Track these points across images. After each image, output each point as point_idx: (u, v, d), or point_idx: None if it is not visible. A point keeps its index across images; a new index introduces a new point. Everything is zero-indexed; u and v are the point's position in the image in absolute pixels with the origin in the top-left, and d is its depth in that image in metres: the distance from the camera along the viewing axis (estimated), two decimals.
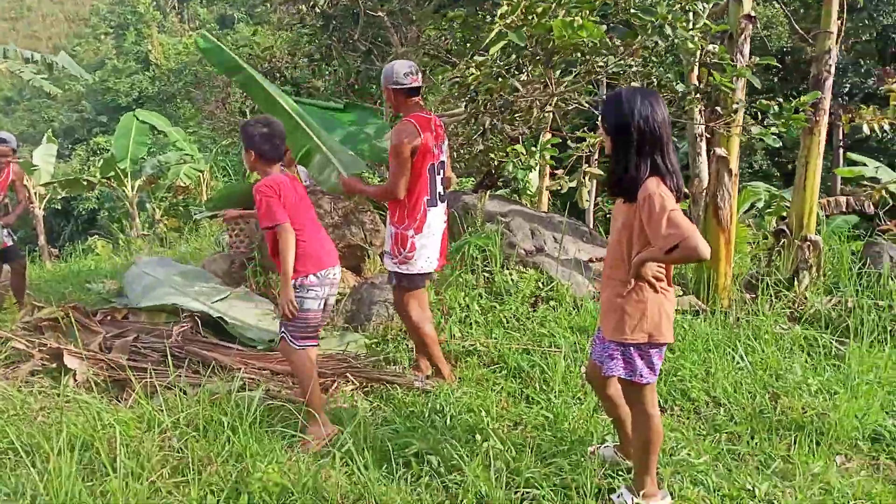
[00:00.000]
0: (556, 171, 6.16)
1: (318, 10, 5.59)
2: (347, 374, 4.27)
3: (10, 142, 6.11)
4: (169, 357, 3.98)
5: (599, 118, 2.97)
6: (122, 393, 4.01)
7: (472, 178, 12.96)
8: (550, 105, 5.25)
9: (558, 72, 5.13)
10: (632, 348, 2.82)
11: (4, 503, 2.80)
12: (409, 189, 3.99)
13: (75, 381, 3.94)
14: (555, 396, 3.97)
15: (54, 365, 4.14)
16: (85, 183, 13.38)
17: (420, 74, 4.03)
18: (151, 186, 12.56)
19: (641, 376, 2.83)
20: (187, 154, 12.57)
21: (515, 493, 2.96)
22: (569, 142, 5.26)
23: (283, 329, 3.63)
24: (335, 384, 4.21)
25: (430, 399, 3.91)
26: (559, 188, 5.97)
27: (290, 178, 3.73)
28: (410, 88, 4.00)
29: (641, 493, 2.92)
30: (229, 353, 4.60)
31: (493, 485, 2.96)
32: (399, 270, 4.12)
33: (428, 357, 4.29)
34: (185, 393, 3.74)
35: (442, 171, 4.16)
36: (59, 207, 18.02)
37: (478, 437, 3.39)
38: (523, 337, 4.83)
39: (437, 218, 4.13)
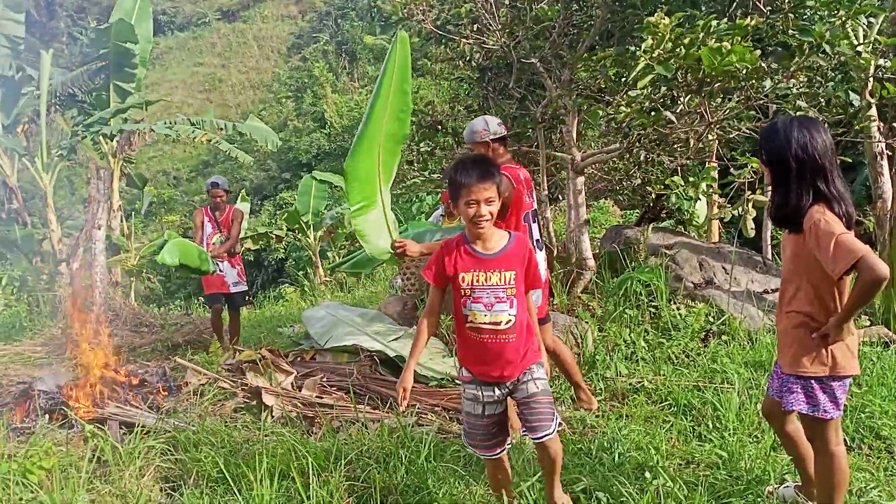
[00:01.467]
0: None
1: (473, 64, 5.93)
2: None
3: (221, 184, 6.97)
4: (352, 394, 4.33)
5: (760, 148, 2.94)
6: (311, 427, 4.40)
7: (636, 210, 12.76)
8: (709, 134, 5.15)
9: (718, 100, 5.05)
10: (813, 381, 2.72)
11: None
12: None
13: (272, 416, 4.39)
14: (728, 434, 3.85)
15: (254, 402, 4.64)
16: (273, 236, 14.75)
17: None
18: (331, 236, 13.59)
19: (825, 411, 2.71)
20: None
21: None
22: (731, 169, 5.12)
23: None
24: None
25: (598, 436, 3.93)
26: (727, 217, 5.79)
27: None
28: (503, 137, 4.08)
29: None
30: None
31: None
32: None
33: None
34: (366, 427, 4.05)
35: (537, 219, 4.22)
36: (252, 259, 20.01)
37: (647, 474, 3.39)
38: (693, 373, 4.71)
39: (541, 264, 4.03)
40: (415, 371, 5.22)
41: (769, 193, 2.87)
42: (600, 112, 5.18)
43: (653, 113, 4.57)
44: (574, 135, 6.07)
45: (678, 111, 4.84)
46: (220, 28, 51.91)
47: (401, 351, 5.55)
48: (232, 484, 3.42)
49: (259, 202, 25.04)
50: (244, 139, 16.31)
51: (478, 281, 2.80)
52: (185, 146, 36.71)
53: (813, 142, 2.61)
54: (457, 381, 5.15)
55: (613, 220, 13.16)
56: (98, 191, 6.16)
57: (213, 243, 6.86)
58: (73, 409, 4.25)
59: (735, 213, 5.39)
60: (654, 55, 4.18)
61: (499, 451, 2.94)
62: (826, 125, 2.80)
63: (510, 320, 2.75)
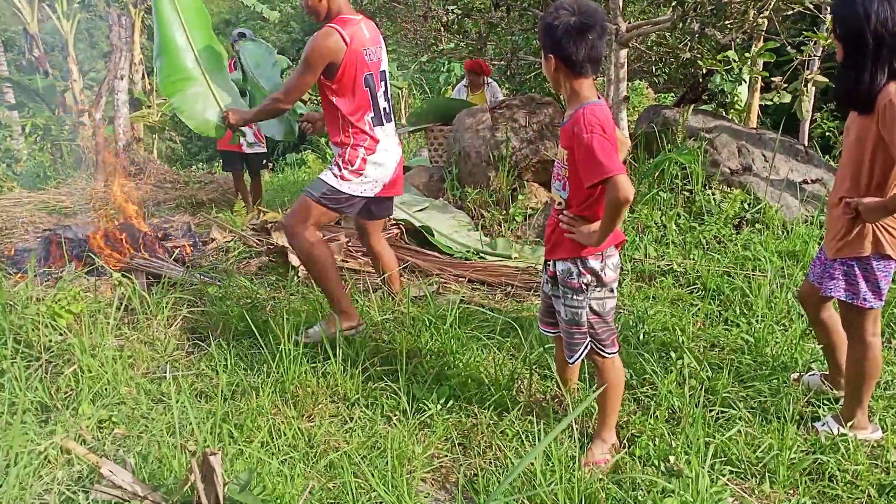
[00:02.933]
0: (767, 84, 5.65)
1: None
2: (537, 289, 4.37)
3: (249, 36, 6.68)
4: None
5: (829, 22, 2.68)
6: None
7: (672, 93, 12.27)
8: (768, 7, 4.78)
9: None
10: (856, 267, 2.63)
11: (247, 376, 3.25)
12: (346, 105, 3.47)
13: (298, 277, 4.40)
14: (756, 321, 3.81)
15: (279, 262, 4.64)
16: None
17: None
18: None
19: (864, 300, 2.63)
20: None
21: (710, 411, 2.93)
22: (788, 48, 4.79)
23: (587, 341, 2.63)
24: (526, 298, 4.34)
25: (623, 315, 3.91)
26: (770, 103, 5.51)
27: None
28: None
29: (850, 424, 2.77)
30: (429, 260, 4.87)
31: (687, 400, 2.95)
32: (332, 184, 3.56)
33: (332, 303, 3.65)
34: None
35: (384, 83, 3.60)
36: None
37: (672, 354, 3.38)
38: (724, 259, 4.63)
39: (390, 139, 3.65)
40: (440, 243, 5.22)
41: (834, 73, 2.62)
42: None
43: None
44: (620, 3, 5.68)
45: None
46: None
47: (426, 222, 5.49)
48: (259, 338, 3.45)
49: None
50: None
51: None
52: (208, 2, 35.40)
53: (893, 15, 2.37)
54: (481, 255, 5.12)
55: (647, 101, 12.69)
56: (119, 38, 5.93)
57: None
58: (101, 258, 4.26)
59: (785, 100, 5.08)
60: None
61: (550, 330, 2.89)
62: None
63: (561, 203, 2.58)
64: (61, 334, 3.42)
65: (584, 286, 2.54)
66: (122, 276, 4.06)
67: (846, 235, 2.63)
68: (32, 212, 6.20)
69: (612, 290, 2.61)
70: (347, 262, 4.60)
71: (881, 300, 2.65)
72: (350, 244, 4.91)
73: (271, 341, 3.35)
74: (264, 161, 7.00)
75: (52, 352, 3.28)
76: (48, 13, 11.09)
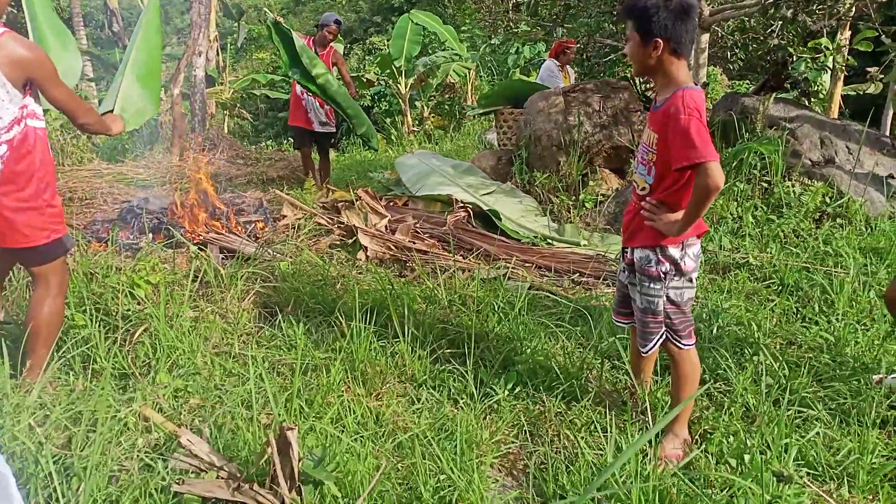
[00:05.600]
0: (850, 72, 5.38)
1: None
2: (607, 278, 4.30)
3: (342, 23, 6.75)
4: (451, 243, 4.30)
5: None
6: (403, 270, 4.44)
7: (747, 80, 11.85)
8: None
9: None
10: None
11: (315, 353, 3.29)
12: None
13: (366, 256, 4.43)
14: (836, 319, 3.66)
15: (349, 241, 4.68)
16: (364, 80, 14.50)
17: None
18: (422, 85, 13.23)
19: None
20: (456, 53, 12.99)
21: (787, 411, 2.83)
22: (883, 37, 4.55)
23: (663, 331, 2.58)
24: (596, 287, 4.27)
25: (698, 308, 3.81)
26: (852, 93, 5.25)
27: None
28: None
29: None
30: (494, 244, 4.84)
31: (763, 399, 2.86)
32: None
33: None
34: (457, 275, 4.04)
35: None
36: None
37: (747, 350, 3.28)
38: (803, 254, 4.46)
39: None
40: (508, 227, 5.18)
41: None
42: None
43: None
44: None
45: None
46: None
47: (493, 205, 5.45)
48: (329, 315, 3.48)
49: (349, 45, 24.55)
50: None
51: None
52: None
53: None
54: (549, 241, 5.06)
55: (720, 88, 12.30)
56: (199, 15, 6.04)
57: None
58: (179, 230, 4.38)
59: (873, 89, 4.83)
60: None
61: (623, 321, 2.84)
62: None
63: (645, 188, 2.52)
64: (139, 303, 3.53)
65: (662, 274, 2.48)
66: (199, 249, 4.16)
67: None
68: (111, 183, 6.41)
69: (690, 280, 2.54)
70: (416, 243, 4.61)
71: None
72: (418, 225, 4.92)
73: (341, 318, 3.39)
74: (333, 140, 7.07)
75: (130, 321, 3.38)
76: None
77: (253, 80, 14.28)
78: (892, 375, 3.08)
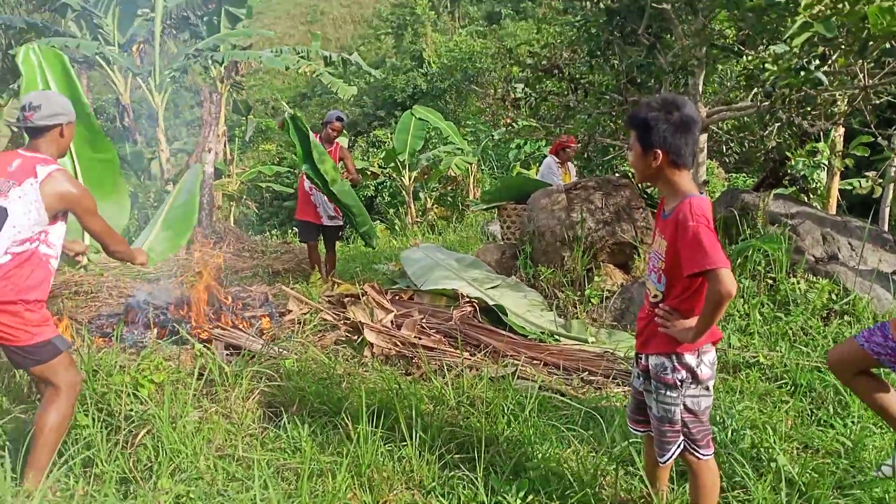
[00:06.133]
0: (844, 171, 5.51)
1: (602, 6, 5.58)
2: (617, 377, 4.25)
3: (344, 120, 6.96)
4: (459, 340, 4.27)
5: None
6: (409, 367, 4.38)
7: (743, 173, 12.09)
8: (857, 99, 4.69)
9: (870, 63, 4.58)
10: None
11: (321, 457, 3.21)
12: None
13: (372, 353, 4.39)
14: (852, 422, 3.59)
15: (354, 337, 4.65)
16: (369, 173, 14.82)
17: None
18: (425, 177, 13.52)
19: None
20: (458, 147, 13.34)
21: None
22: (879, 139, 4.68)
23: (680, 440, 2.50)
24: (605, 386, 4.21)
25: (711, 410, 3.74)
26: (849, 187, 5.35)
27: None
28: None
29: None
30: (502, 340, 4.81)
31: None
32: None
33: None
34: (465, 373, 3.99)
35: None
36: None
37: (763, 455, 3.20)
38: (814, 353, 4.42)
39: None
40: (514, 322, 5.16)
41: None
42: (735, 66, 4.78)
43: (802, 72, 4.17)
44: (700, 88, 5.69)
45: (825, 71, 4.41)
46: None
47: (499, 300, 5.45)
48: (335, 415, 3.42)
49: (353, 138, 25.21)
50: (339, 74, 16.38)
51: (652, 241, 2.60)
52: (285, 77, 37.16)
53: None
54: (555, 336, 5.03)
55: (717, 182, 12.54)
56: (210, 114, 6.25)
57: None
58: (184, 327, 4.36)
59: (875, 190, 4.93)
60: (813, 11, 3.78)
61: (639, 429, 2.79)
62: None
63: (657, 296, 2.53)
64: (143, 403, 3.47)
65: (678, 382, 2.45)
66: (204, 345, 4.13)
67: None
68: (118, 276, 6.42)
69: (707, 389, 2.50)
70: (422, 339, 4.58)
71: None
72: (424, 321, 4.90)
73: (347, 420, 3.33)
74: (340, 233, 7.15)
75: (133, 421, 3.32)
76: (140, 84, 11.79)
77: (259, 172, 14.58)
78: (885, 463, 3.01)
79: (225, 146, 13.30)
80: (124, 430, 3.26)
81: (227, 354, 4.35)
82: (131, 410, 3.39)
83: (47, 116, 3.00)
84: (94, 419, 3.26)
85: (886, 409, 2.92)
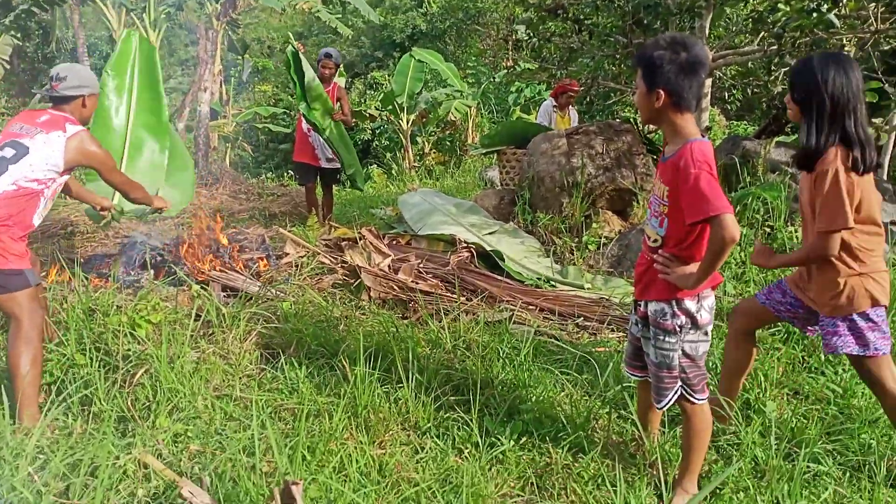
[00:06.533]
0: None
1: None
2: (612, 323, 4.28)
3: (335, 57, 6.82)
4: (456, 284, 4.28)
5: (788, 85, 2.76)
6: (406, 311, 4.40)
7: (744, 120, 11.95)
8: (867, 43, 4.59)
9: (882, 7, 4.46)
10: (858, 320, 2.70)
11: (318, 398, 3.24)
12: None
13: (369, 296, 4.40)
14: (843, 370, 3.63)
15: (352, 280, 4.66)
16: (367, 115, 14.61)
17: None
18: (423, 121, 13.33)
19: (876, 349, 2.69)
20: (458, 90, 13.12)
21: (795, 464, 2.78)
22: (886, 86, 4.60)
23: (678, 386, 2.53)
24: (600, 332, 4.24)
25: None
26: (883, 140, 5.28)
27: None
28: None
29: None
30: (498, 285, 4.82)
31: (773, 453, 2.81)
32: None
33: None
34: (464, 315, 4.01)
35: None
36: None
37: (753, 401, 3.24)
38: None
39: None
40: (511, 268, 5.16)
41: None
42: (743, 9, 4.66)
43: (814, 14, 4.05)
44: (706, 31, 5.56)
45: (837, 14, 4.30)
46: None
47: (496, 246, 5.44)
48: (332, 357, 3.45)
49: (350, 79, 24.81)
50: (337, 13, 16.03)
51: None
52: (281, 16, 36.30)
53: (848, 82, 2.55)
54: (552, 282, 5.04)
55: (718, 129, 12.42)
56: (206, 52, 6.11)
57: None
58: (181, 267, 4.35)
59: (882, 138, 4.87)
60: None
61: (636, 374, 2.81)
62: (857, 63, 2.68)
63: (657, 240, 2.50)
64: (140, 343, 3.49)
65: (677, 328, 2.46)
66: (201, 287, 4.13)
67: (839, 296, 2.67)
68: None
69: (706, 333, 2.51)
70: (418, 283, 4.58)
71: (889, 343, 2.70)
72: (421, 265, 4.90)
73: (345, 362, 3.35)
74: (337, 176, 7.09)
75: (131, 361, 3.34)
76: (135, 21, 11.51)
77: (255, 114, 14.38)
78: None
79: (221, 86, 13.07)
80: (122, 369, 3.28)
81: (225, 296, 4.36)
82: (128, 350, 3.41)
83: (72, 87, 3.33)
84: (91, 359, 3.28)
85: (740, 372, 3.09)
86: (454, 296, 4.40)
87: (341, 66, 11.86)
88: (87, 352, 3.32)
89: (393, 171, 13.12)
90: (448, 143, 13.99)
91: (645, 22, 5.67)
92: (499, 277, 5.02)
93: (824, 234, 2.56)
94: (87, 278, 4.35)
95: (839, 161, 2.51)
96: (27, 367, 2.99)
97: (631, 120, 6.96)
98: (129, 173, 4.53)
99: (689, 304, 2.43)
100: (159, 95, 5.21)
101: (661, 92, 2.31)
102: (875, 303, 2.66)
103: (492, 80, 13.62)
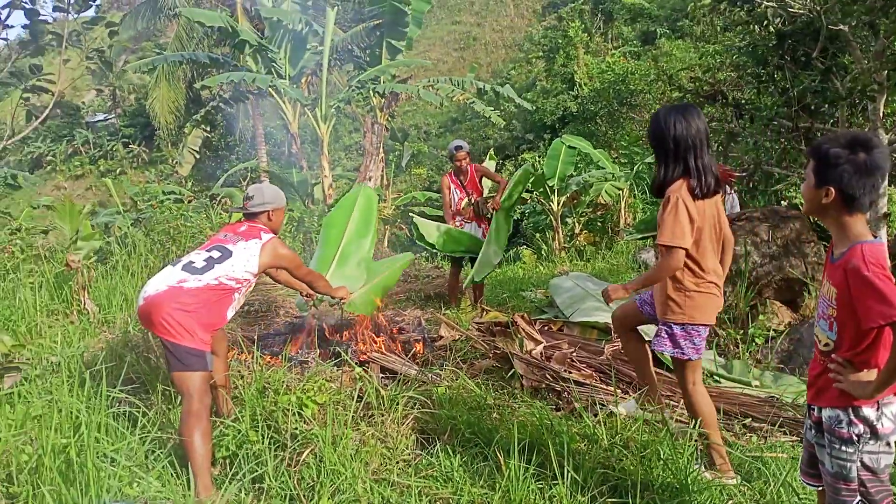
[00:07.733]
0: None
1: (772, 29, 5.28)
2: (785, 425, 3.97)
3: (464, 147, 7.07)
4: (613, 376, 4.20)
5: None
6: (559, 401, 4.33)
7: None
8: None
9: None
10: (674, 328, 3.44)
11: (472, 489, 3.24)
12: None
13: (521, 385, 4.39)
14: None
15: (503, 366, 4.67)
16: (515, 198, 14.88)
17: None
18: (574, 202, 13.36)
19: (684, 353, 3.42)
20: (609, 173, 13.08)
21: None
22: None
23: (857, 501, 2.31)
24: (771, 434, 3.95)
25: None
26: None
27: None
28: None
29: None
30: (657, 378, 4.63)
31: None
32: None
33: None
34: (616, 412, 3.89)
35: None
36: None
37: None
38: None
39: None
40: (670, 361, 4.95)
41: None
42: None
43: None
44: (880, 113, 5.25)
45: None
46: None
47: (652, 334, 5.26)
48: (485, 447, 3.45)
49: (501, 161, 25.47)
50: (490, 100, 16.63)
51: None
52: (437, 105, 38.26)
53: (688, 128, 3.26)
54: (715, 377, 4.79)
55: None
56: (372, 144, 6.56)
57: (463, 207, 6.99)
58: (344, 349, 4.57)
59: None
60: None
61: (812, 483, 2.58)
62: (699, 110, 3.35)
63: (828, 344, 2.35)
64: (306, 423, 3.68)
65: (855, 437, 2.26)
66: (362, 368, 4.31)
67: (663, 305, 3.44)
68: (285, 297, 6.87)
69: (889, 444, 2.29)
70: (571, 373, 4.52)
71: (698, 354, 3.43)
72: (574, 353, 4.83)
73: (499, 453, 3.34)
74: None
75: (298, 440, 3.52)
76: (306, 113, 12.59)
77: (413, 197, 15.09)
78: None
79: (382, 171, 13.89)
80: (289, 447, 3.46)
81: (383, 377, 4.51)
82: (296, 429, 3.60)
83: (258, 205, 3.88)
84: (262, 435, 3.50)
85: (643, 361, 3.98)
86: (610, 387, 4.28)
87: (491, 149, 12.19)
88: (259, 429, 3.55)
89: (542, 252, 13.14)
90: (599, 223, 13.86)
91: (812, 106, 5.44)
92: (658, 370, 4.83)
93: (664, 248, 3.21)
94: (261, 356, 4.68)
95: (683, 189, 3.23)
96: (200, 442, 3.26)
97: (798, 205, 6.60)
98: (339, 270, 5.40)
99: (868, 411, 2.24)
100: (370, 224, 5.92)
101: (832, 189, 2.22)
102: (691, 319, 3.34)
103: (644, 161, 13.45)
